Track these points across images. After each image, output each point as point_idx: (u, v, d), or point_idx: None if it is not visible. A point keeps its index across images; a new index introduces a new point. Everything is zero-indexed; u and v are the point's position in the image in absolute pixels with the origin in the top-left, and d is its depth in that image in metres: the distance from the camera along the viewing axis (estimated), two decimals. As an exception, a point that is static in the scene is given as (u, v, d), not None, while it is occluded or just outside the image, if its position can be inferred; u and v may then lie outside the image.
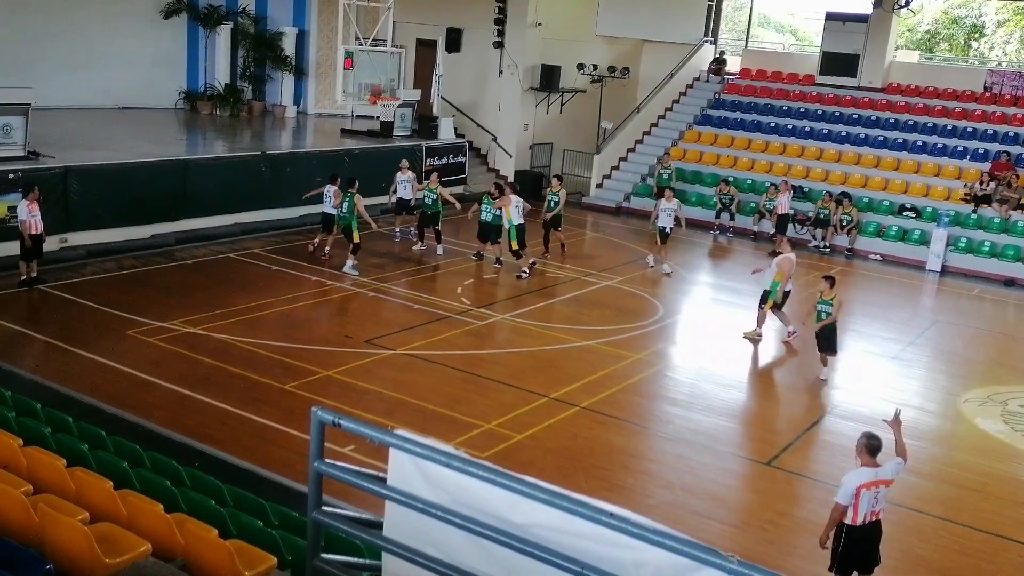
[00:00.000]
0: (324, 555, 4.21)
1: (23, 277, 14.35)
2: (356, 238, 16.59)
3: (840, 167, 24.54)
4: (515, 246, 17.08)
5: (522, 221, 17.14)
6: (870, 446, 7.43)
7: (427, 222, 18.61)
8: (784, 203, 21.83)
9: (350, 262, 16.68)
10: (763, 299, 14.81)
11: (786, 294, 14.71)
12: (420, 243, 18.80)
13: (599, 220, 24.25)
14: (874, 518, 7.40)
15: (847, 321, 17.12)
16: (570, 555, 3.45)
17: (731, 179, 24.09)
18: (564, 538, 3.51)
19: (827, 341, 13.18)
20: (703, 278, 20.20)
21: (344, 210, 16.66)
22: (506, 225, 17.17)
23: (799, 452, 11.01)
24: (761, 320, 14.84)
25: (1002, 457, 11.47)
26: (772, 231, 22.37)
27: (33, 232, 14.12)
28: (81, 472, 6.11)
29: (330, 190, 17.06)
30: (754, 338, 14.86)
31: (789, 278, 14.61)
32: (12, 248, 14.65)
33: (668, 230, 18.26)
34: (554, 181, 19.66)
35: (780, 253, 15.10)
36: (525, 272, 17.20)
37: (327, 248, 17.46)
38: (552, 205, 18.77)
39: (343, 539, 5.27)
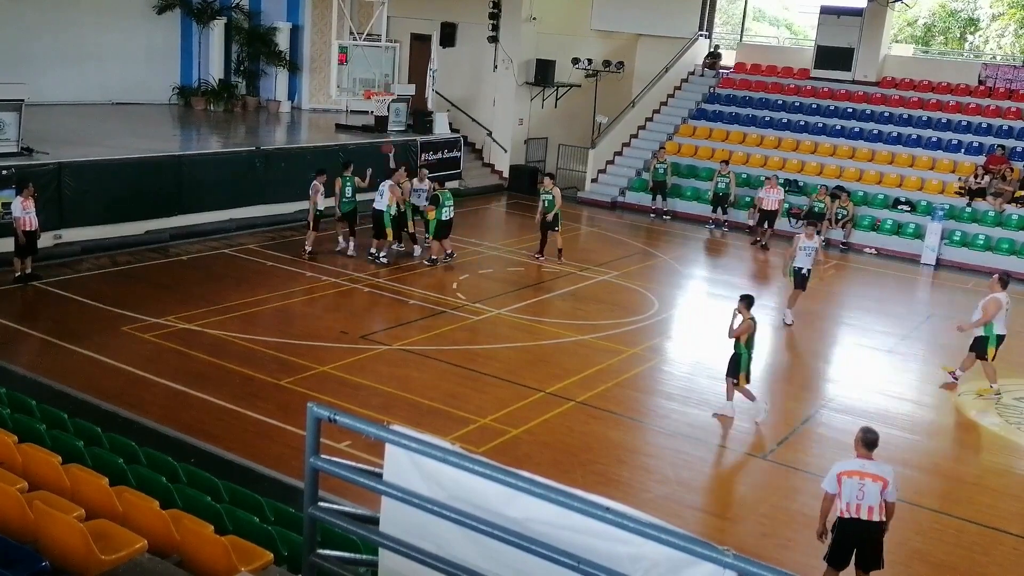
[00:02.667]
0: (320, 551, 4.21)
1: (17, 273, 14.32)
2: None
3: (835, 161, 24.56)
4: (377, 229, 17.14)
5: (382, 209, 16.95)
6: (865, 439, 7.47)
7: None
8: (771, 199, 21.64)
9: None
10: (978, 347, 12.95)
11: (1000, 338, 12.89)
12: (398, 244, 18.12)
13: (594, 215, 24.24)
14: (867, 516, 7.31)
15: (841, 315, 17.22)
16: (567, 550, 3.45)
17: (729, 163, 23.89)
18: (560, 533, 3.51)
19: (730, 363, 11.43)
20: (698, 272, 20.22)
21: (348, 195, 17.01)
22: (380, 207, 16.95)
23: (794, 446, 11.03)
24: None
25: (997, 450, 11.51)
26: (753, 223, 22.37)
27: (27, 228, 14.10)
28: (76, 469, 6.10)
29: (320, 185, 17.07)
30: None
31: (993, 320, 12.74)
32: (5, 244, 14.63)
33: (806, 272, 15.40)
34: (546, 180, 18.67)
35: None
36: (383, 258, 17.11)
37: (341, 239, 17.68)
38: (548, 205, 18.03)
39: (339, 535, 5.27)
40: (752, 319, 11.27)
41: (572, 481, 8.62)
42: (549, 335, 14.12)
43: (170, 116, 24.77)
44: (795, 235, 15.95)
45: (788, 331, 15.95)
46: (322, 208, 16.96)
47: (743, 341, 11.27)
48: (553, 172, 20.59)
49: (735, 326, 11.28)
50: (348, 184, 17.15)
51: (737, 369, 11.36)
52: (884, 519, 7.40)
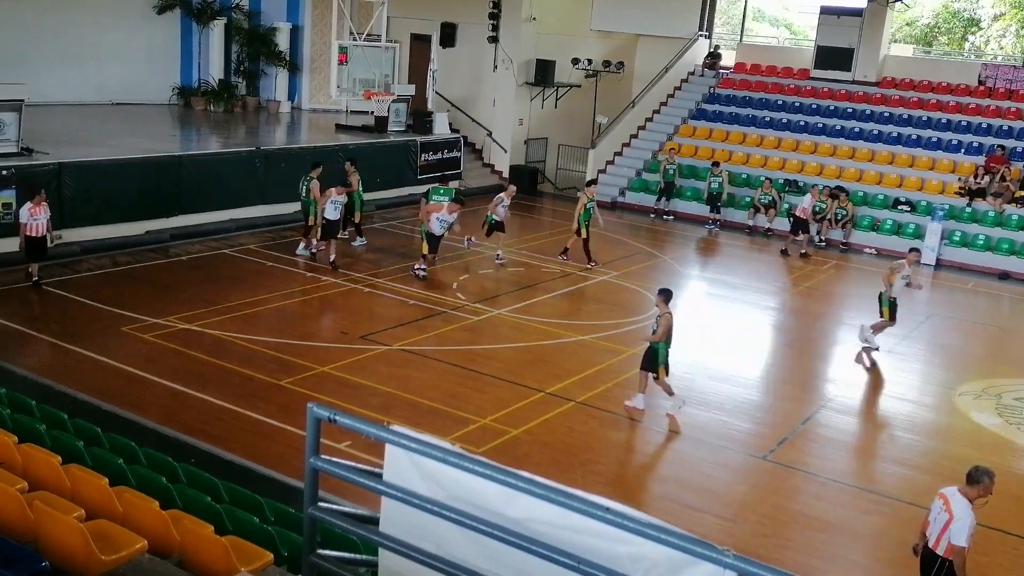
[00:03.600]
0: (320, 551, 4.21)
1: (31, 274, 14.21)
2: (311, 221, 16.84)
3: (835, 161, 24.56)
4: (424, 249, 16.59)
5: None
6: (967, 471, 7.06)
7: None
8: (806, 206, 21.23)
9: (301, 245, 17.18)
10: None
11: None
12: (360, 239, 18.53)
13: (594, 215, 24.21)
14: (929, 539, 6.98)
15: (841, 315, 17.22)
16: (567, 550, 3.45)
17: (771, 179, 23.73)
18: (560, 533, 3.51)
19: (646, 359, 11.41)
20: (698, 272, 20.23)
21: (303, 194, 16.98)
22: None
23: (794, 446, 11.03)
24: None
25: (996, 450, 11.50)
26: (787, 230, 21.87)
27: (31, 234, 13.90)
28: (76, 469, 6.10)
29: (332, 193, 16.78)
30: None
31: None
32: (4, 245, 14.64)
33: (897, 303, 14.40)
34: (591, 188, 18.82)
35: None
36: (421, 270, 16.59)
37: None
38: (592, 212, 18.13)
39: (339, 535, 5.27)
40: (669, 313, 11.07)
41: (572, 481, 8.62)
42: (549, 335, 14.11)
43: (170, 116, 24.77)
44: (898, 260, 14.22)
45: (787, 331, 15.98)
46: (332, 218, 16.56)
47: (663, 337, 11.08)
48: (596, 178, 20.48)
49: (658, 326, 11.03)
50: (304, 184, 17.10)
51: (655, 363, 11.20)
52: (941, 555, 6.90)
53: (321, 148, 21.09)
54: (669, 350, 11.28)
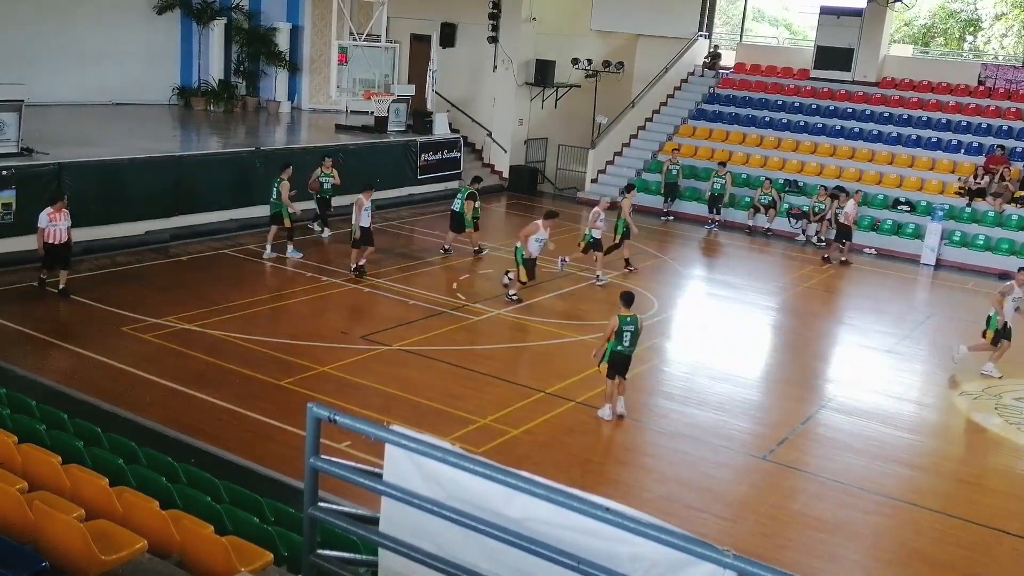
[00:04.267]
0: (320, 551, 4.21)
1: (43, 276, 14.06)
2: (287, 223, 16.89)
3: (835, 161, 24.57)
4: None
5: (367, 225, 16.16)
6: None
7: (326, 207, 18.86)
8: (851, 212, 20.53)
9: (290, 247, 17.12)
10: None
11: None
12: (325, 230, 18.83)
13: (594, 215, 24.20)
14: None
15: (841, 315, 17.24)
16: (566, 550, 3.45)
17: (771, 179, 23.76)
18: (560, 533, 3.52)
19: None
20: (698, 272, 20.23)
21: (272, 196, 16.94)
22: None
23: (794, 446, 11.03)
24: None
25: (996, 450, 11.52)
26: (832, 238, 21.36)
27: (51, 241, 13.65)
28: (76, 469, 6.10)
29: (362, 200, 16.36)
30: None
31: None
32: (4, 245, 14.69)
33: (1009, 326, 13.72)
34: (632, 193, 18.77)
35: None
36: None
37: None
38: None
39: (339, 535, 5.27)
40: (616, 317, 10.92)
41: (571, 481, 8.62)
42: (549, 335, 14.12)
43: (170, 116, 24.76)
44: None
45: (787, 331, 15.97)
46: (365, 225, 16.05)
47: (610, 338, 10.99)
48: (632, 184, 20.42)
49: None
50: (275, 186, 16.91)
51: (603, 359, 11.08)
52: None
53: (322, 148, 21.07)
54: (622, 350, 11.02)
